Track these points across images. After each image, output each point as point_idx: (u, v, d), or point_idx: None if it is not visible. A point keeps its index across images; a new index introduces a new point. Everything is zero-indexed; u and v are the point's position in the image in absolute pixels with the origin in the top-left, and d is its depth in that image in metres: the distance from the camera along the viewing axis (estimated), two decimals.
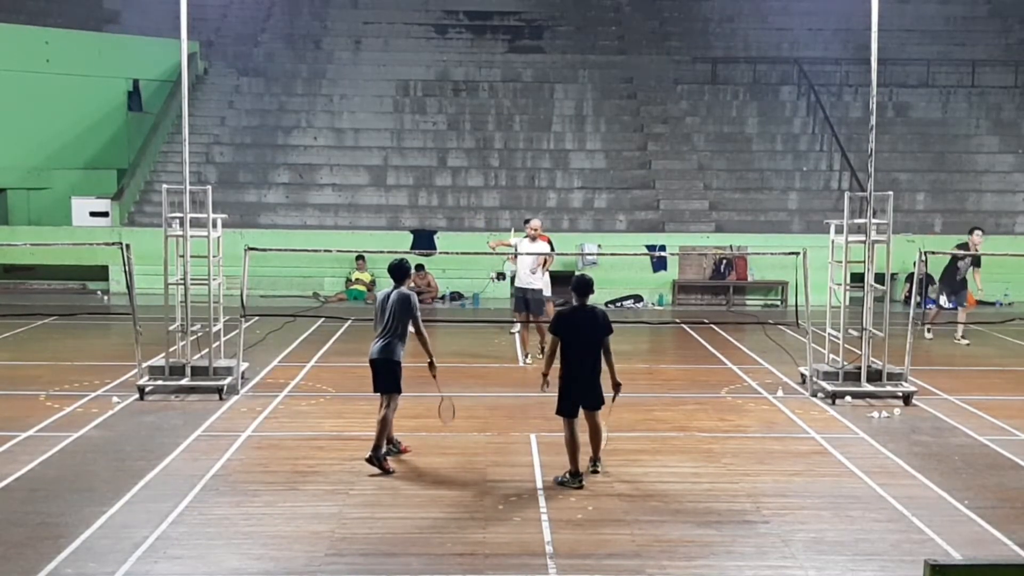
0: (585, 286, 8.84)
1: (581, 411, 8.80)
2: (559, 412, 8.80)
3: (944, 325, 16.97)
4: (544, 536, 7.46)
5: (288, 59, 27.75)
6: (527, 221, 14.96)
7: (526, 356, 14.61)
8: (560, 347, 8.74)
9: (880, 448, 9.89)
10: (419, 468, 9.04)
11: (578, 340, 8.70)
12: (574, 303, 8.90)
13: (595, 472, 8.93)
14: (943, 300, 16.69)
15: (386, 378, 9.14)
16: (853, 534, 7.58)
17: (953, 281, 16.60)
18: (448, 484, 8.67)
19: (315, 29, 28.90)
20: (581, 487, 8.51)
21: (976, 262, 16.50)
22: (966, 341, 16.35)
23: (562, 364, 8.75)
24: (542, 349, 14.01)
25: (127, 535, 7.35)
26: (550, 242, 15.28)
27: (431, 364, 9.43)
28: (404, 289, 9.42)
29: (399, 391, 9.20)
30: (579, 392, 8.72)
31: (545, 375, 8.99)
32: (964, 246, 16.28)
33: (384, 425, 9.03)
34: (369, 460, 8.86)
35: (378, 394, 9.20)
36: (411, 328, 9.32)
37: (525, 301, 14.45)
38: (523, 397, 12.03)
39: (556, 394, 8.85)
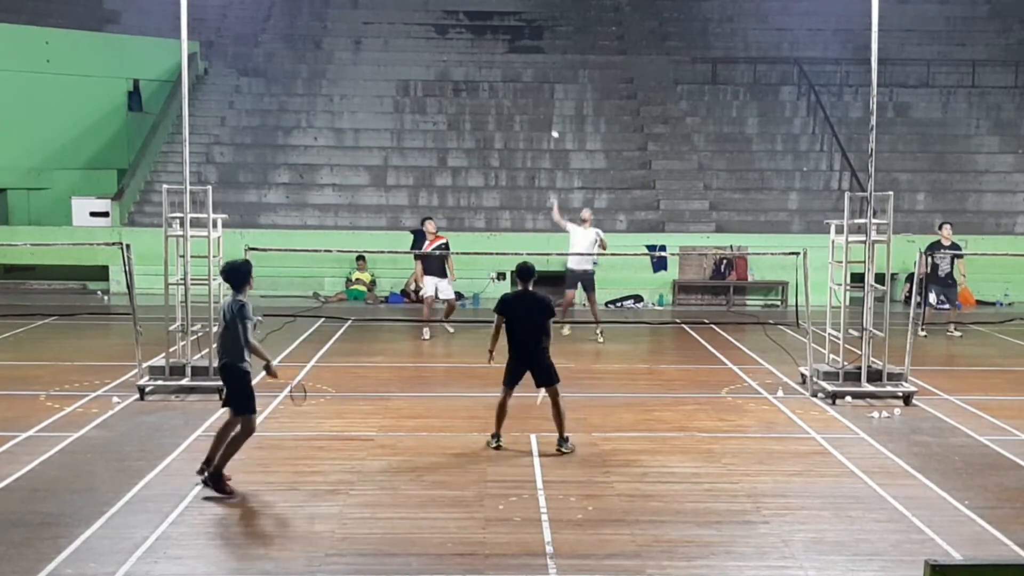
0: (527, 272, 9.81)
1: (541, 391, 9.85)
2: (503, 382, 9.73)
3: (942, 325, 17.01)
4: (544, 536, 7.46)
5: (288, 59, 27.75)
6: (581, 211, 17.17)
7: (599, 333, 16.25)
8: (505, 326, 9.70)
9: (880, 448, 9.89)
10: (419, 468, 9.04)
11: (521, 321, 9.61)
12: (519, 288, 9.80)
13: (560, 452, 9.49)
14: (932, 298, 16.78)
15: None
16: (853, 534, 7.58)
17: (937, 278, 16.71)
18: (448, 484, 8.67)
19: (315, 29, 28.90)
20: (499, 448, 9.54)
21: (955, 254, 16.84)
22: (959, 333, 16.43)
23: (508, 341, 9.71)
24: (599, 332, 16.26)
25: (127, 535, 7.35)
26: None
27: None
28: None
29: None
30: (521, 367, 9.63)
31: (491, 351, 9.89)
32: (937, 243, 16.77)
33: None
34: None
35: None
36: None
37: (581, 281, 16.44)
38: (523, 397, 12.00)
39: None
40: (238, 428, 8.35)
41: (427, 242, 16.83)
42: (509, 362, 9.70)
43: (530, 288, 9.75)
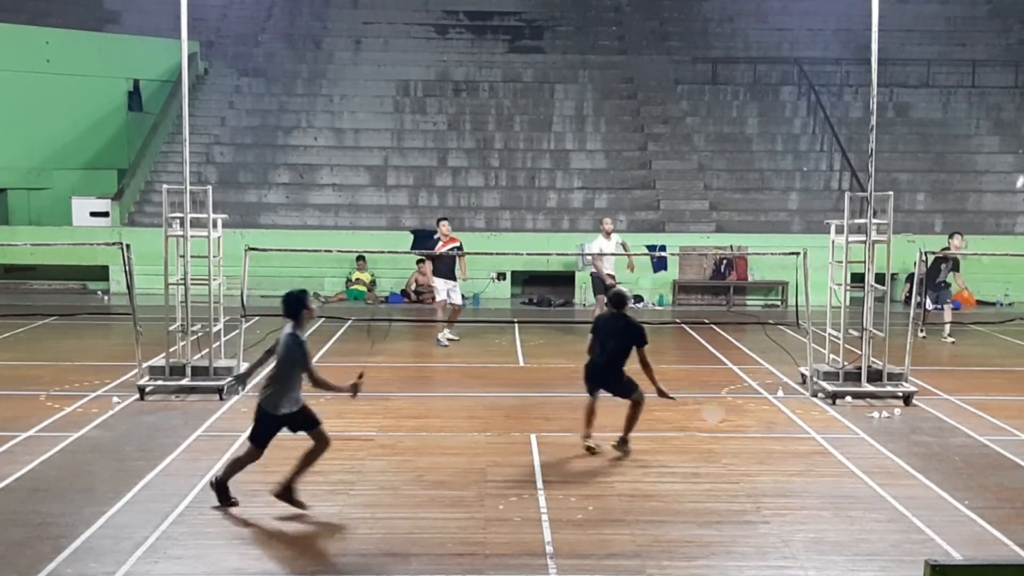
0: (620, 299, 10.01)
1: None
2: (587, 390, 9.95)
3: (937, 325, 17.00)
4: (544, 536, 7.46)
5: (288, 59, 27.75)
6: (602, 221, 17.50)
7: None
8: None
9: (880, 448, 9.89)
10: (419, 468, 9.03)
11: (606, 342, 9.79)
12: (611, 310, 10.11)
13: (618, 448, 9.68)
14: (929, 303, 16.78)
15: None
16: (853, 534, 7.58)
17: (933, 283, 16.73)
18: (448, 484, 8.67)
19: (315, 29, 28.90)
20: (591, 450, 9.57)
21: (956, 266, 16.93)
22: (952, 339, 16.43)
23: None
24: None
25: (127, 535, 7.35)
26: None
27: None
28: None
29: None
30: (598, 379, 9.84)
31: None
32: (945, 250, 16.67)
33: None
34: None
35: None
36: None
37: (607, 288, 16.44)
38: (523, 397, 12.02)
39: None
40: (319, 445, 8.09)
41: (441, 243, 16.19)
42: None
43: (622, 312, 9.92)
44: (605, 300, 16.63)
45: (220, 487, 8.02)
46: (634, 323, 9.82)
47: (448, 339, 15.82)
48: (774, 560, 7.12)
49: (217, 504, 7.97)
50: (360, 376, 8.18)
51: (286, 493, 7.92)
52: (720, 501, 8.30)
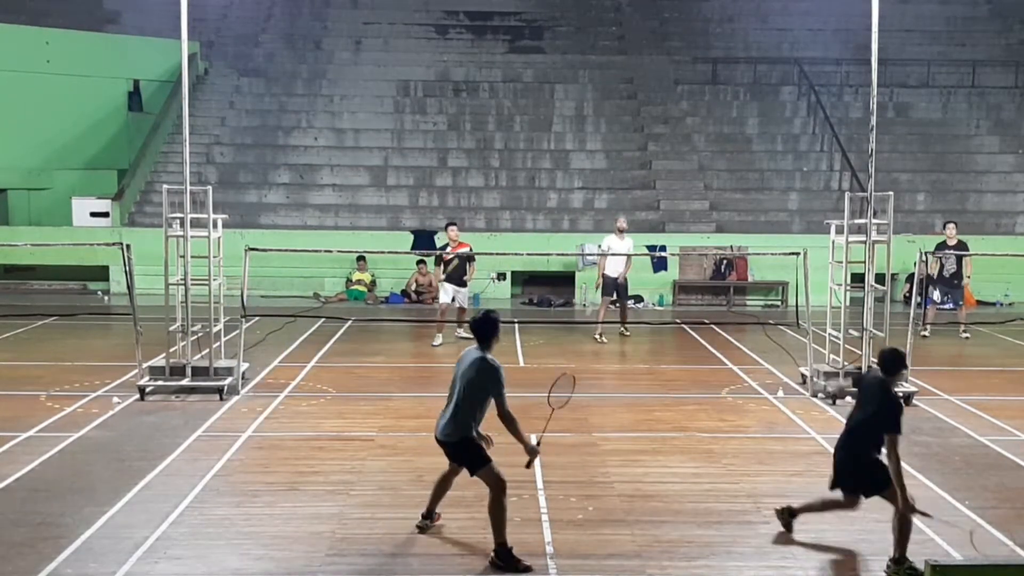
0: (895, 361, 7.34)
1: None
2: None
3: (944, 325, 17.00)
4: (544, 536, 7.46)
5: (288, 59, 27.74)
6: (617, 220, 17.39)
7: (599, 335, 16.40)
8: None
9: None
10: (419, 468, 9.03)
11: None
12: None
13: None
14: (936, 295, 16.79)
15: None
16: (853, 535, 7.57)
17: (942, 278, 16.73)
18: None
19: (315, 29, 28.90)
20: None
21: (959, 258, 16.86)
22: (967, 335, 16.51)
23: None
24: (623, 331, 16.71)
25: (127, 535, 7.35)
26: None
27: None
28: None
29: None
30: None
31: None
32: (942, 243, 16.85)
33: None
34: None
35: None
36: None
37: (615, 289, 16.68)
38: (523, 397, 11.99)
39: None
40: (493, 491, 7.11)
41: (450, 248, 16.14)
42: None
43: None
44: (611, 300, 16.76)
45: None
46: (892, 396, 7.19)
47: (460, 336, 15.84)
48: (774, 560, 7.12)
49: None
50: (538, 443, 7.41)
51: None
52: (720, 501, 8.30)
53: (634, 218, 22.84)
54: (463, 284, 16.09)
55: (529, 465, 7.33)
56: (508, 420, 7.12)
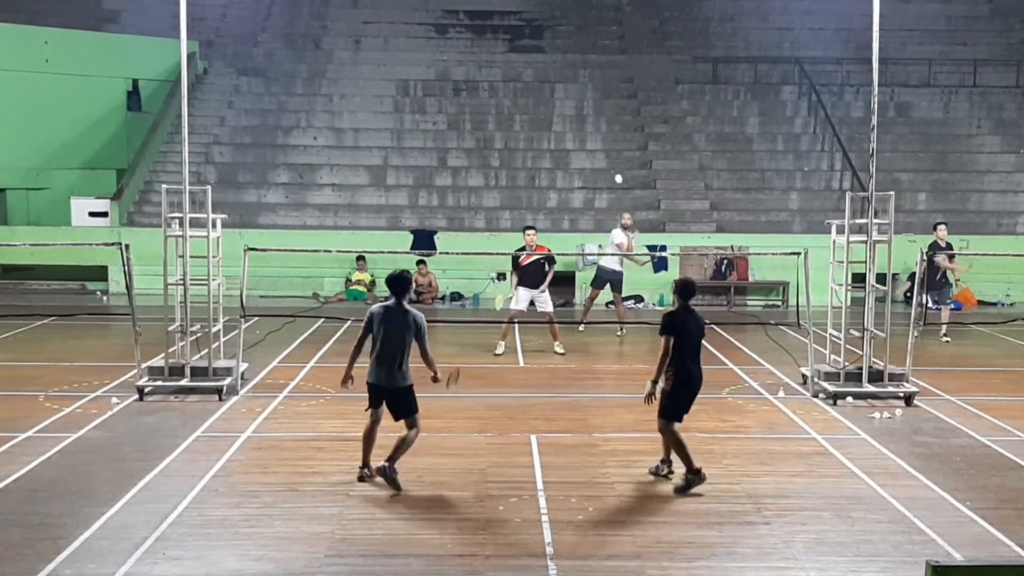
0: (688, 288, 8.80)
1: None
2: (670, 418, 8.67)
3: (932, 325, 16.97)
4: (544, 537, 7.44)
5: (288, 59, 27.72)
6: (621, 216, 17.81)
7: (580, 326, 17.20)
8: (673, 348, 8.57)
9: (881, 449, 9.87)
10: (419, 468, 9.00)
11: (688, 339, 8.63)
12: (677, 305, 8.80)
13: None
14: (927, 301, 16.75)
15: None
16: (854, 535, 7.56)
17: (933, 281, 16.68)
18: (448, 484, 8.65)
19: (315, 29, 28.88)
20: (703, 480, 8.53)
21: (949, 257, 16.83)
22: (947, 339, 16.42)
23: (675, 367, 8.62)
24: (620, 329, 17.02)
25: (126, 536, 7.33)
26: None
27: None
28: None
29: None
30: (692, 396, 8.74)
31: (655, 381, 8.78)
32: (935, 244, 16.63)
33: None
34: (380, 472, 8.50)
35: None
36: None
37: (610, 282, 16.98)
38: (523, 397, 12.00)
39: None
40: (414, 431, 8.62)
41: (526, 253, 15.22)
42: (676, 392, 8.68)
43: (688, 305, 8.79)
44: (598, 294, 16.90)
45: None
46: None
47: (557, 352, 15.14)
48: (775, 561, 7.09)
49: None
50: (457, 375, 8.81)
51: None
52: (721, 502, 8.28)
53: (634, 218, 22.77)
54: (541, 289, 15.28)
55: (439, 381, 8.67)
56: (431, 358, 8.64)
